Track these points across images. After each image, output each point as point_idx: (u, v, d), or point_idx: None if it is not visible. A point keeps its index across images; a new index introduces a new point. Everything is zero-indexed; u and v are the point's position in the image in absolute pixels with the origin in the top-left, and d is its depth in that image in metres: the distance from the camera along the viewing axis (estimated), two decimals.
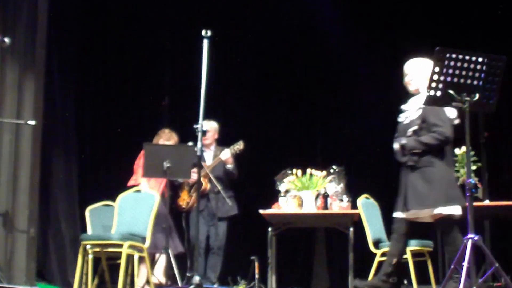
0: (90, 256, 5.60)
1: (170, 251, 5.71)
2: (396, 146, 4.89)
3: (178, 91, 8.06)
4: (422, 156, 4.76)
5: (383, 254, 5.69)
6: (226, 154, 6.61)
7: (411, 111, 4.90)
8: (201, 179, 6.55)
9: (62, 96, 7.24)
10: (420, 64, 4.94)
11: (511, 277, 4.55)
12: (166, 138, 6.49)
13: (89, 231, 6.10)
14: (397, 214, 4.91)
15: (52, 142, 7.00)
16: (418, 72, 4.91)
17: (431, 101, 4.21)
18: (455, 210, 4.70)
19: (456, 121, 4.84)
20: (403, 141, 4.80)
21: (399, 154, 4.87)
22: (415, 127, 4.81)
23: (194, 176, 6.30)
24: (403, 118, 4.96)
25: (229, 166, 6.66)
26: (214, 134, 6.85)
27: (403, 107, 5.00)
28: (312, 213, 6.20)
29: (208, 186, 6.63)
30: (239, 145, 6.59)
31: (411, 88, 4.99)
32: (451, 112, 4.80)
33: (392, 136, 5.02)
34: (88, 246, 5.56)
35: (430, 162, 4.74)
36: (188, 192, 6.59)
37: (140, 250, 5.62)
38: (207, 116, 5.17)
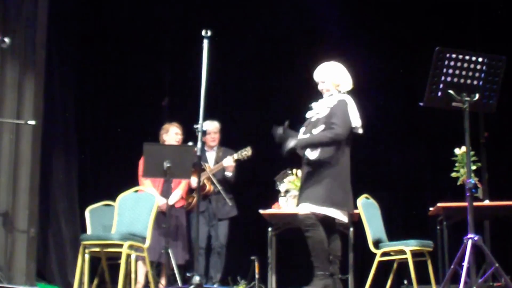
0: (90, 256, 5.60)
1: (170, 251, 5.70)
2: (289, 146, 4.83)
3: (178, 91, 8.06)
4: (318, 153, 4.78)
5: (383, 254, 5.71)
6: (228, 162, 6.52)
7: (320, 110, 4.94)
8: (205, 181, 6.54)
9: (62, 96, 7.24)
10: (327, 68, 5.03)
11: (511, 277, 4.55)
12: (165, 131, 6.50)
13: (89, 231, 6.09)
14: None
15: (52, 142, 7.00)
16: (327, 76, 5.00)
17: (431, 101, 4.21)
18: (324, 211, 4.74)
19: (360, 131, 4.88)
20: (292, 143, 4.80)
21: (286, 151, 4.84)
22: (322, 126, 4.83)
23: (194, 182, 6.35)
24: (311, 115, 5.01)
25: (228, 173, 6.62)
26: (219, 135, 6.81)
27: (312, 104, 5.04)
28: None
29: (212, 188, 6.61)
30: (247, 151, 6.49)
31: (325, 94, 5.03)
32: (356, 121, 4.85)
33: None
34: (88, 246, 5.56)
35: (322, 161, 4.76)
36: (190, 193, 6.57)
37: (140, 250, 5.62)
38: (207, 116, 5.16)
